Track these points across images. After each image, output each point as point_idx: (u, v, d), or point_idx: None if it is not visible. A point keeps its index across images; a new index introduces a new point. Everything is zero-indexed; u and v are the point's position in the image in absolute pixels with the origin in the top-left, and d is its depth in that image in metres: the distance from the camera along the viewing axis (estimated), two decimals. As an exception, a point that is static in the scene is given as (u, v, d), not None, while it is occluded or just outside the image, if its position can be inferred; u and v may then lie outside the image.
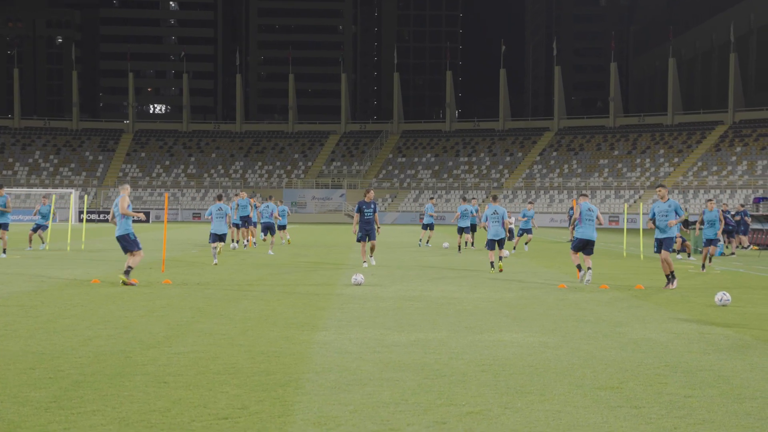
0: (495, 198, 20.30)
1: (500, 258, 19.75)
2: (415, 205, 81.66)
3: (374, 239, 20.22)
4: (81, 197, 73.81)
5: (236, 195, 29.94)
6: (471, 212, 28.51)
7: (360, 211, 20.01)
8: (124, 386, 7.00)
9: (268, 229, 27.13)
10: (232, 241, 27.94)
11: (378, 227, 20.31)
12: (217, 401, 6.57)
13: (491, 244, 19.46)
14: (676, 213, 15.57)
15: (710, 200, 22.74)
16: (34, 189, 78.14)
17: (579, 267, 16.64)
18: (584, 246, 16.57)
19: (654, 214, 15.82)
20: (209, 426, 5.88)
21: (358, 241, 20.23)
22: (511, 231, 35.77)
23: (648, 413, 6.37)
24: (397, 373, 7.64)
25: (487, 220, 19.64)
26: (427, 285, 16.07)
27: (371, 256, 20.58)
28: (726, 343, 9.58)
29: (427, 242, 31.19)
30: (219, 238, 21.46)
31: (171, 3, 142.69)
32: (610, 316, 11.80)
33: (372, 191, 20.39)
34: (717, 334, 10.20)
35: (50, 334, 9.60)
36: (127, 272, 15.13)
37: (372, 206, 20.08)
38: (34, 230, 26.89)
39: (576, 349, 9.05)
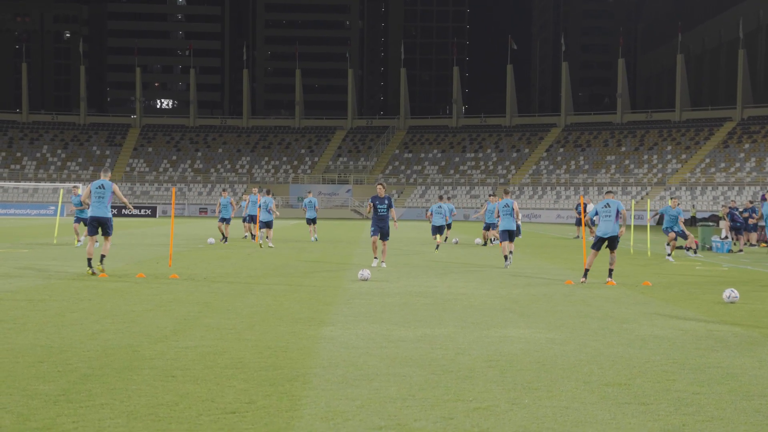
0: (440, 197, 28.31)
1: (444, 240, 27.35)
2: (422, 201, 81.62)
3: (387, 239, 18.86)
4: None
5: (245, 192, 30.78)
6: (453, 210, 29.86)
7: (374, 206, 18.90)
8: (132, 380, 7.02)
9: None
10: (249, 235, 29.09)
11: (395, 222, 19.22)
12: (225, 395, 6.58)
13: (433, 230, 26.73)
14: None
15: None
16: (42, 183, 78.33)
17: (505, 257, 19.42)
18: (509, 236, 19.65)
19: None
20: (217, 420, 5.89)
21: (372, 235, 18.94)
22: (517, 227, 35.68)
23: (656, 410, 6.35)
24: (404, 369, 7.64)
25: (432, 214, 26.92)
26: (433, 280, 16.06)
27: (383, 260, 19.01)
28: (734, 340, 9.56)
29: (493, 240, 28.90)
30: (265, 225, 26.22)
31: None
32: (617, 312, 11.79)
33: (379, 186, 18.98)
34: (725, 331, 10.17)
35: (58, 327, 9.63)
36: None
37: (386, 201, 18.83)
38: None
39: (583, 345, 9.04)
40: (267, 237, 26.15)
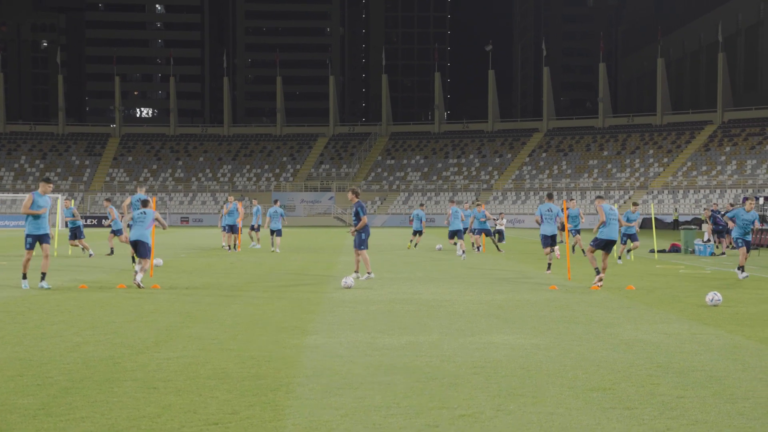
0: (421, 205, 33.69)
1: (416, 244, 31.59)
2: (405, 208, 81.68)
3: (359, 248, 17.36)
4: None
5: (225, 201, 30.46)
6: (422, 218, 31.25)
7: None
8: (114, 392, 6.97)
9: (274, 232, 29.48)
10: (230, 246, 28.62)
11: (353, 230, 17.40)
12: (207, 406, 6.55)
13: (414, 233, 31.00)
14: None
15: None
16: (20, 194, 77.75)
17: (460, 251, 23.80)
18: (455, 234, 27.05)
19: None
20: (200, 432, 5.86)
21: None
22: (500, 232, 36.15)
23: (640, 414, 6.38)
24: (388, 377, 7.64)
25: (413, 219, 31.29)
26: (417, 287, 16.07)
27: (368, 272, 17.53)
28: (718, 343, 9.62)
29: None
30: (274, 233, 28.60)
31: (157, 6, 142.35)
32: (601, 317, 11.84)
33: (348, 192, 17.59)
34: (709, 335, 10.24)
35: (38, 340, 9.55)
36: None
37: (354, 208, 17.44)
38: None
39: (568, 350, 9.07)
40: (277, 244, 28.85)
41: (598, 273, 16.34)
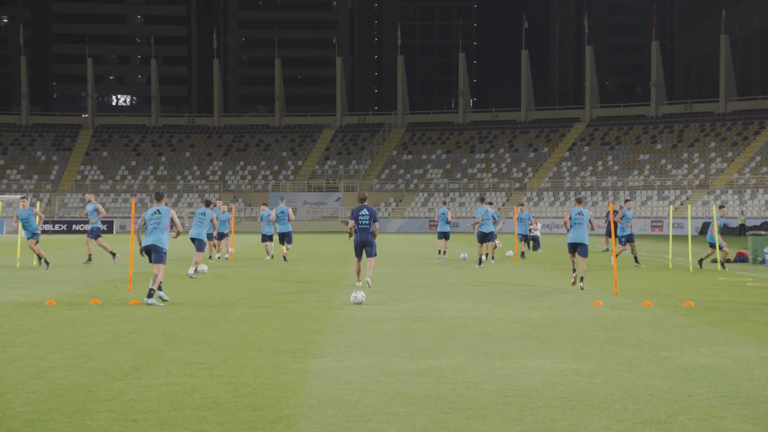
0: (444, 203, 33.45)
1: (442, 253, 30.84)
2: (424, 210, 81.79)
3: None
4: (32, 204, 73.93)
5: (214, 204, 30.19)
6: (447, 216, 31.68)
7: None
8: (86, 426, 7.01)
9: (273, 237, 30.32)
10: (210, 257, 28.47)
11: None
12: (195, 442, 6.58)
13: (439, 235, 30.70)
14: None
15: None
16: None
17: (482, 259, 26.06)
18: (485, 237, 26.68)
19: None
20: (186, 471, 5.89)
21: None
22: (536, 239, 36.34)
23: (701, 452, 6.37)
24: (405, 407, 7.67)
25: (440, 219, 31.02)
26: (439, 303, 16.11)
27: (368, 276, 18.96)
28: (792, 368, 9.59)
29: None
30: (268, 238, 29.78)
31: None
32: (654, 338, 11.83)
33: (364, 192, 19.23)
34: (781, 359, 10.21)
35: (-2, 364, 9.63)
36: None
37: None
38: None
39: (615, 377, 9.08)
40: (287, 249, 29.14)
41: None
